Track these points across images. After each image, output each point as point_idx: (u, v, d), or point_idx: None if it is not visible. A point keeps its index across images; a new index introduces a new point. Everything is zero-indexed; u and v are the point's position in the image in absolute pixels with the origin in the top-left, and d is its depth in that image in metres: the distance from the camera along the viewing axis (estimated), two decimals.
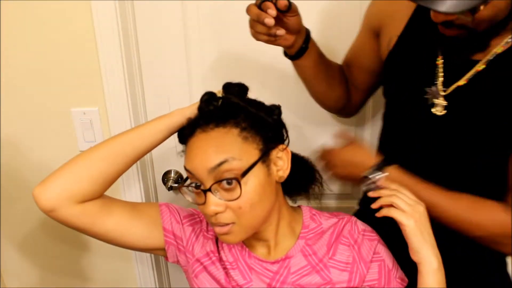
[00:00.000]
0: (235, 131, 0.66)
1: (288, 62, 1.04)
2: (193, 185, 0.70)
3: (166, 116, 0.74)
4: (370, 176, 0.77)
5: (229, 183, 0.65)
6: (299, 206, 0.83)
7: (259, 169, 0.67)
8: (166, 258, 0.82)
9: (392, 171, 0.77)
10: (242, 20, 1.02)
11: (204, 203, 0.67)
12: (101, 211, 0.72)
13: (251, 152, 0.67)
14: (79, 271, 1.26)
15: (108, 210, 0.73)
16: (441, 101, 0.73)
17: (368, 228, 0.79)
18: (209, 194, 0.66)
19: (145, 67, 1.09)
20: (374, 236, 0.78)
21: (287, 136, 0.75)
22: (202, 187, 0.68)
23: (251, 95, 0.76)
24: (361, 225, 0.79)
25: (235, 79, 0.75)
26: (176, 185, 1.17)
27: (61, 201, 0.69)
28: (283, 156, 0.71)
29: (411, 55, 0.78)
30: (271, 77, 1.06)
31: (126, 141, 0.73)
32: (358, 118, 1.08)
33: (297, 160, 0.78)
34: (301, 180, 0.79)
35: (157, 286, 1.24)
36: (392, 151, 0.84)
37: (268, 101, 0.75)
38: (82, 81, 1.04)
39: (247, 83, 0.76)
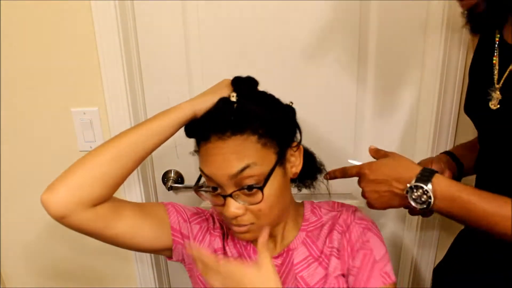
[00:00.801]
0: (253, 138, 0.65)
1: (287, 62, 1.05)
2: (210, 188, 0.69)
3: (174, 110, 0.71)
4: (418, 185, 0.67)
5: (250, 190, 0.65)
6: (302, 202, 0.84)
7: (277, 172, 0.68)
8: (170, 257, 0.81)
9: (441, 180, 0.67)
10: (242, 20, 1.03)
11: (223, 205, 0.67)
12: (112, 213, 0.70)
13: (270, 156, 0.67)
14: (79, 271, 1.26)
15: (118, 212, 0.71)
16: (496, 95, 0.71)
17: (366, 217, 0.78)
18: (229, 199, 0.66)
19: (145, 67, 1.09)
20: (367, 223, 0.76)
21: (300, 132, 0.75)
22: (221, 192, 0.68)
23: None
24: (359, 213, 0.78)
25: None
26: (176, 185, 1.17)
27: (73, 206, 0.65)
28: (296, 152, 0.73)
29: (476, 65, 0.78)
30: (271, 76, 1.06)
31: (135, 140, 0.69)
32: (357, 118, 1.08)
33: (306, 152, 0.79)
34: (308, 170, 0.80)
35: (157, 286, 1.24)
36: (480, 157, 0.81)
37: None
38: (82, 81, 1.04)
39: None
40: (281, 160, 0.69)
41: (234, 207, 0.66)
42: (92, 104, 1.06)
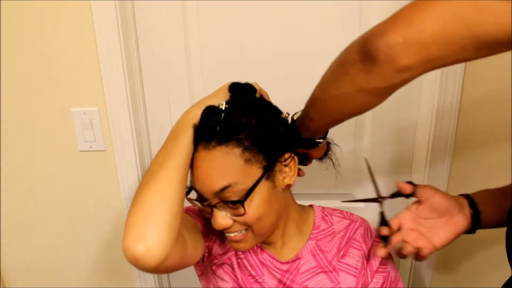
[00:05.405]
0: (237, 151, 0.63)
1: (287, 63, 1.05)
2: (199, 200, 0.69)
3: (186, 114, 0.67)
4: None
5: (233, 204, 0.65)
6: (311, 205, 0.83)
7: (263, 186, 0.66)
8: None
9: None
10: (242, 20, 1.03)
11: (211, 215, 0.68)
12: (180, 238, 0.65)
13: (254, 172, 0.65)
14: (78, 271, 1.26)
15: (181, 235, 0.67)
16: None
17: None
18: (215, 210, 0.67)
19: (145, 67, 1.09)
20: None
21: (294, 142, 0.73)
22: (208, 203, 0.68)
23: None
24: (374, 230, 0.79)
25: (234, 79, 0.74)
26: None
27: (168, 246, 0.58)
28: (290, 163, 0.69)
29: None
30: (272, 76, 1.06)
31: (183, 162, 0.63)
32: (357, 119, 1.08)
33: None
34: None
35: (157, 286, 1.24)
36: None
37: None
38: (82, 81, 1.04)
39: None
40: (268, 173, 0.66)
41: (221, 219, 0.66)
42: (92, 104, 1.06)
